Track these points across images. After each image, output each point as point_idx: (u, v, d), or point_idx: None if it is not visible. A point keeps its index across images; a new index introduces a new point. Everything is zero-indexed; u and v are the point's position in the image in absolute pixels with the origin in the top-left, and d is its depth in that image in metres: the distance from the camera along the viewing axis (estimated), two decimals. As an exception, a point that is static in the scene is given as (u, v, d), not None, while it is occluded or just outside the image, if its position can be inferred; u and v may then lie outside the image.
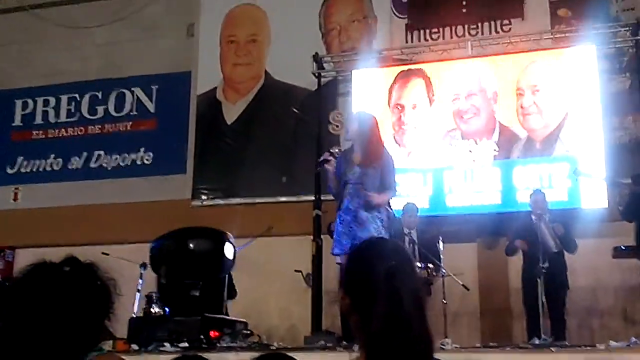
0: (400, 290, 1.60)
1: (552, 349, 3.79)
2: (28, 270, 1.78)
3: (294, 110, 9.47)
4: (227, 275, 6.93)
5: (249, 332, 5.22)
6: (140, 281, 7.00)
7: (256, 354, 2.36)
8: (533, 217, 6.63)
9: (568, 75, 8.18)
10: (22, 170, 10.51)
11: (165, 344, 4.73)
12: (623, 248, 6.60)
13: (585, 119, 7.99)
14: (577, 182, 7.58)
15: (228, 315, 6.71)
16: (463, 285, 7.16)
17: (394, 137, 8.66)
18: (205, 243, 5.98)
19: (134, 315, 6.33)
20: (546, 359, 3.56)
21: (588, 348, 3.92)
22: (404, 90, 8.76)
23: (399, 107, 8.72)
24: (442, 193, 8.27)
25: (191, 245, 5.71)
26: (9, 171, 10.54)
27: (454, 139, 8.42)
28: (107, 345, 4.61)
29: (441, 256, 6.93)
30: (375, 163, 5.48)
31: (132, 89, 10.34)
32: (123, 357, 2.16)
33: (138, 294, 6.81)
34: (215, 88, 9.96)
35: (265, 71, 9.85)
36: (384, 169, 5.49)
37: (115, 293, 1.81)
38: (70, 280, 1.74)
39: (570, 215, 7.21)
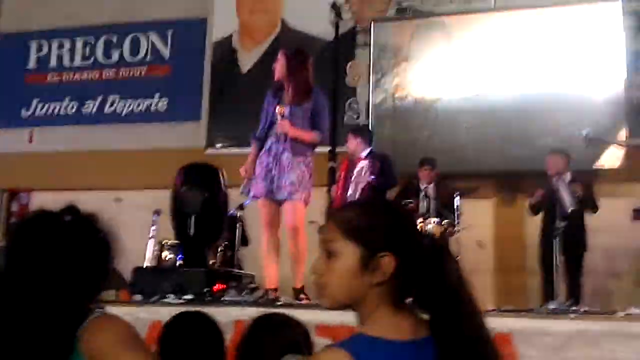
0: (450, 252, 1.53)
1: (571, 315, 3.68)
2: (28, 219, 1.76)
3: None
4: (239, 224, 6.90)
5: (255, 286, 5.18)
6: (152, 228, 6.98)
7: (261, 310, 2.35)
8: (552, 176, 6.53)
9: (591, 32, 7.98)
10: (37, 113, 10.48)
11: (169, 295, 4.67)
12: (644, 209, 6.51)
13: (607, 76, 7.82)
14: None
15: (240, 265, 6.70)
16: (478, 242, 7.09)
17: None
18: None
19: (145, 265, 6.31)
20: (562, 326, 3.47)
21: (607, 315, 3.81)
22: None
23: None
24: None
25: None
26: (24, 114, 10.51)
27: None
28: (110, 294, 4.57)
29: (457, 212, 6.83)
30: (306, 102, 5.16)
31: (148, 33, 10.21)
32: (127, 306, 2.13)
33: (151, 242, 6.81)
34: (231, 35, 9.81)
35: (282, 19, 9.67)
36: (315, 108, 5.18)
37: (117, 246, 1.76)
38: (69, 230, 1.69)
39: (590, 174, 7.10)
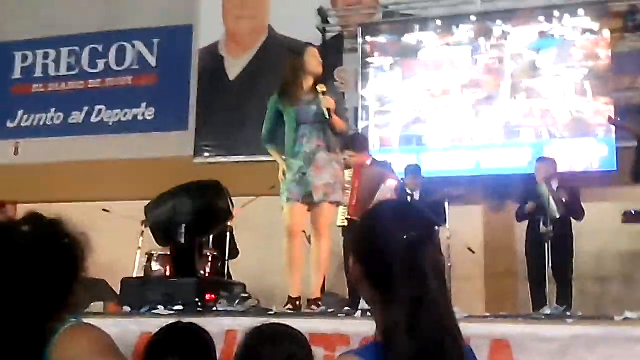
0: (424, 267, 1.42)
1: (568, 320, 3.62)
2: None
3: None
4: (228, 234, 6.83)
5: (247, 295, 5.07)
6: (141, 239, 6.91)
7: (253, 320, 2.28)
8: (539, 182, 6.54)
9: (579, 34, 8.00)
10: (23, 124, 10.38)
11: (159, 306, 4.56)
12: (633, 212, 6.49)
13: (595, 78, 7.83)
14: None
15: (230, 276, 6.61)
16: (469, 248, 7.07)
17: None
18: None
19: (133, 276, 6.23)
20: (560, 331, 3.41)
21: (604, 319, 3.74)
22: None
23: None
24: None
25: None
26: (10, 125, 10.40)
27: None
28: (99, 306, 4.48)
29: (447, 219, 6.79)
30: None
31: (133, 42, 10.14)
32: (116, 318, 2.06)
33: (139, 252, 6.73)
34: (218, 42, 9.75)
35: (269, 25, 9.62)
36: (335, 99, 4.98)
37: (88, 249, 1.66)
38: (27, 241, 1.61)
39: (578, 179, 7.10)
